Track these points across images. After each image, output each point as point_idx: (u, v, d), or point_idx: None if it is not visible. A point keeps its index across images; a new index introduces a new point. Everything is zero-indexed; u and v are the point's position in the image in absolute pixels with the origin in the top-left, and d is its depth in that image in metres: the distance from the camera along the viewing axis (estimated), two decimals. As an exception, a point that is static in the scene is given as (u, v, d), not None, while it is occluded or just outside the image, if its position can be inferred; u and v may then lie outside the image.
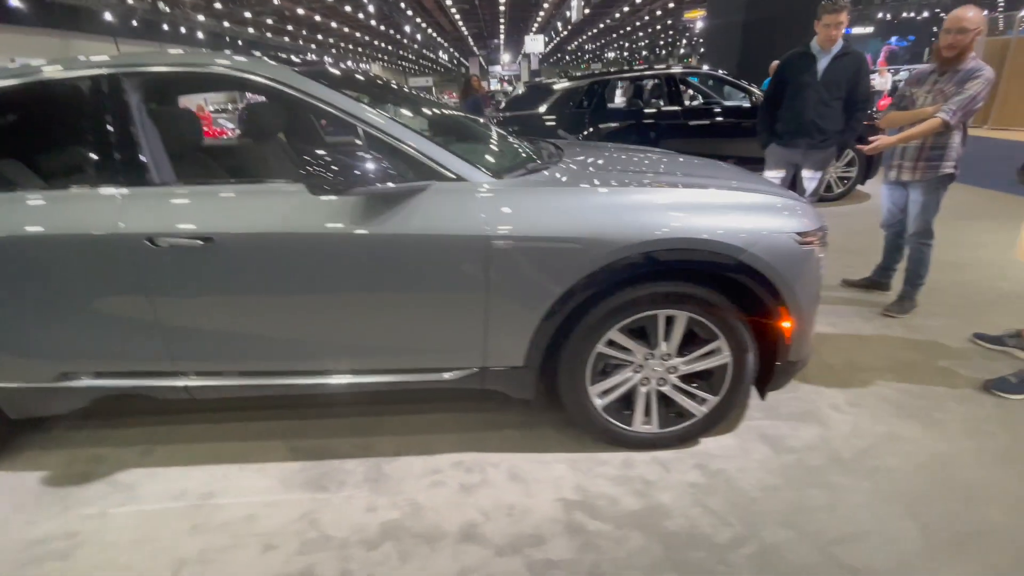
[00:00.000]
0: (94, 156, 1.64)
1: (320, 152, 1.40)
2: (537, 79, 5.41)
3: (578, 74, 5.57)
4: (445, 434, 2.04)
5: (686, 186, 1.74)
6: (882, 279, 3.14)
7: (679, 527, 1.58)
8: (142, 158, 1.62)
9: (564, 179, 1.72)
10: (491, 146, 2.30)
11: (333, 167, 1.37)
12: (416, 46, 40.43)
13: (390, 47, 40.09)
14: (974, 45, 2.47)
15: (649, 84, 5.45)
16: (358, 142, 1.92)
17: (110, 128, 1.60)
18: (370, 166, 1.44)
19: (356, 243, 1.56)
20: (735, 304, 1.68)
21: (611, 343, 1.73)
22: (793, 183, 3.35)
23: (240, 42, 28.11)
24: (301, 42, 33.92)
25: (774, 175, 3.29)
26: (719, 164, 2.32)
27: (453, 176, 1.60)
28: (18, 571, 1.53)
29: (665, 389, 1.82)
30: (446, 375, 1.76)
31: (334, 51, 39.38)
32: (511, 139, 2.38)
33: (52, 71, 1.65)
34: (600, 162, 2.11)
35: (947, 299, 3.04)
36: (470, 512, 1.67)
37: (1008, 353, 2.41)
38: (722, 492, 1.70)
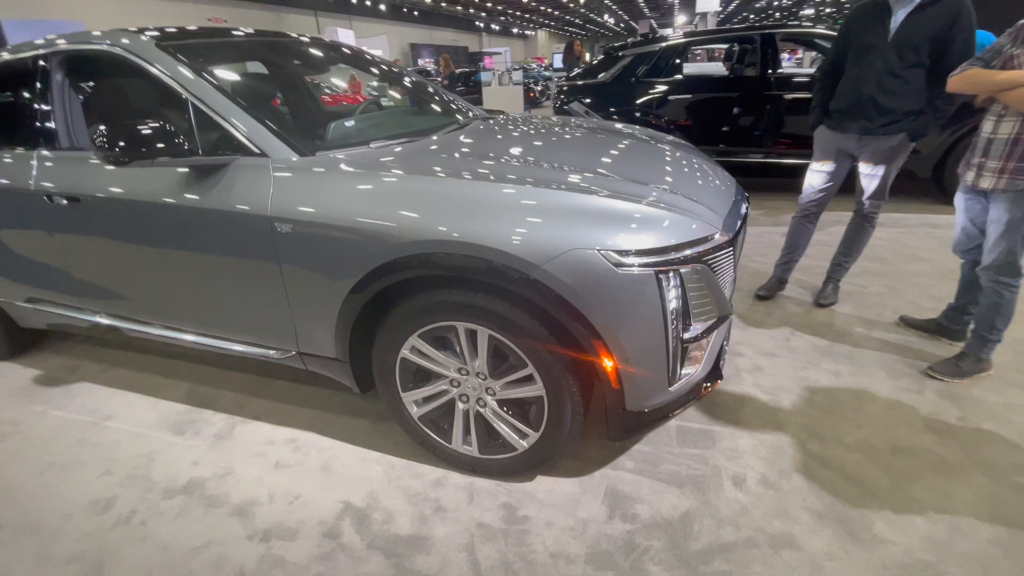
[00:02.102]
0: (27, 124, 1.94)
1: (118, 123, 1.45)
2: (620, 44, 4.82)
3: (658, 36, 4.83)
4: (307, 409, 2.07)
5: (523, 183, 1.41)
6: (952, 323, 2.25)
7: (425, 568, 1.40)
8: (53, 126, 1.88)
9: (366, 161, 1.54)
10: (359, 115, 2.20)
11: (117, 138, 1.42)
12: (582, 10, 39.23)
13: (556, 12, 39.53)
14: None
15: (737, 48, 4.45)
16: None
17: (36, 100, 1.89)
18: (160, 137, 1.46)
19: (168, 211, 1.62)
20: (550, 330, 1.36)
21: (418, 351, 1.55)
22: (850, 179, 2.54)
23: (416, 12, 30.38)
24: (472, 11, 35.30)
25: (819, 167, 2.52)
26: (675, 163, 1.79)
27: (257, 151, 1.55)
28: (-40, 442, 2.00)
29: (486, 412, 1.59)
30: (271, 352, 1.77)
31: (503, 18, 40.23)
32: (409, 107, 2.23)
33: (8, 54, 1.99)
34: (489, 140, 1.85)
35: (1058, 368, 2.06)
36: (262, 490, 1.69)
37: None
38: (504, 544, 1.45)
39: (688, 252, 1.31)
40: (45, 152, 1.89)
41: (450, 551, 1.44)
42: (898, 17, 2.16)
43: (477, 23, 37.38)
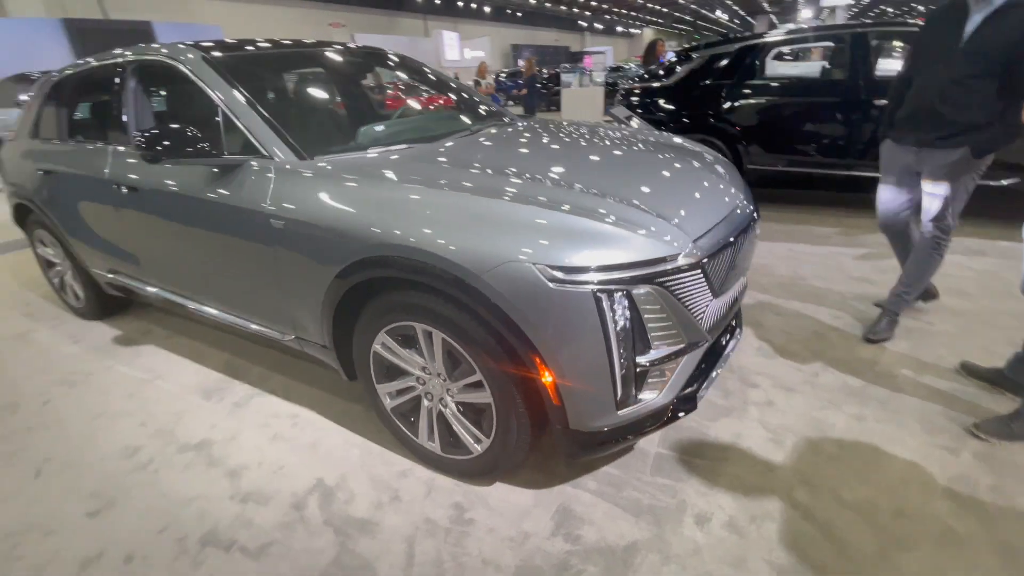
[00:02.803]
0: (107, 121, 2.30)
1: (157, 125, 1.70)
2: (701, 44, 4.55)
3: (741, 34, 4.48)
4: (317, 389, 2.24)
5: (482, 193, 1.43)
6: (1017, 376, 1.89)
7: (366, 551, 1.48)
8: (126, 124, 2.21)
9: (349, 166, 1.64)
10: (395, 119, 2.33)
11: (151, 139, 1.65)
12: (693, 6, 37.45)
13: (664, 9, 38.13)
14: None
15: (832, 47, 3.98)
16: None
17: (112, 101, 2.24)
18: (186, 141, 1.67)
19: (195, 203, 1.85)
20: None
21: (387, 347, 1.64)
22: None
23: (519, 13, 30.89)
24: (575, 10, 35.15)
25: (884, 183, 2.26)
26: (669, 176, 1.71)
27: (265, 154, 1.72)
28: (45, 382, 2.42)
29: (447, 413, 1.63)
30: (276, 334, 1.95)
31: (607, 17, 39.61)
32: (438, 111, 2.31)
33: (93, 62, 2.38)
34: (483, 147, 1.89)
35: None
36: (254, 456, 1.87)
37: None
38: (443, 542, 1.49)
39: (636, 273, 1.26)
40: (117, 147, 2.23)
41: (393, 540, 1.51)
42: (975, 21, 1.86)
43: (580, 22, 37.17)
